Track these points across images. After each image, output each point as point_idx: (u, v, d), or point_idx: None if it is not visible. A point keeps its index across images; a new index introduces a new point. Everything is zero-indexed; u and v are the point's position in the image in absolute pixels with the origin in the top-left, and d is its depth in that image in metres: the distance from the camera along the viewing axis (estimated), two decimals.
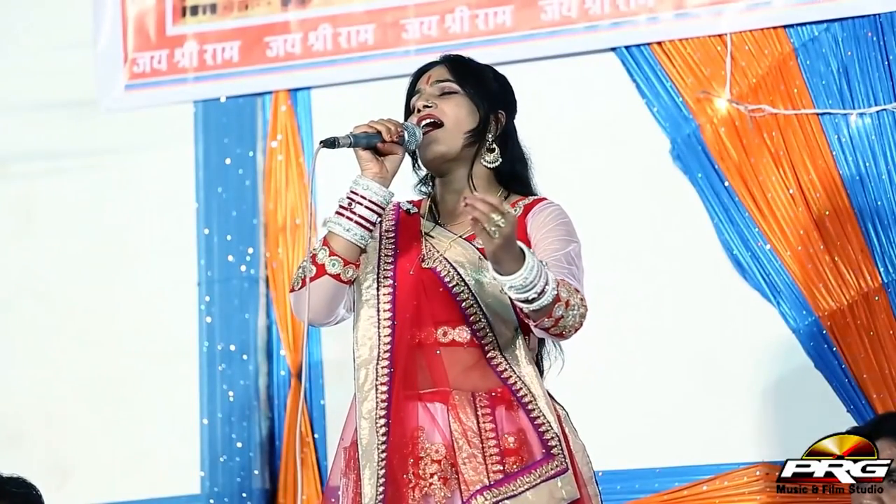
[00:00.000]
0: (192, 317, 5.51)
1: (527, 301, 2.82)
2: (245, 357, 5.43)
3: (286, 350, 5.39)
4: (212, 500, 5.39)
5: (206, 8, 5.60)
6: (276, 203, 5.48)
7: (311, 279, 3.03)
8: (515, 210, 3.10)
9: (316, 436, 5.34)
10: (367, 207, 3.02)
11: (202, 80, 5.58)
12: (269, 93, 5.52)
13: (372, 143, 3.02)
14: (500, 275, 2.81)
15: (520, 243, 2.80)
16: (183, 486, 5.44)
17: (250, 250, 5.49)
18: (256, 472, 5.38)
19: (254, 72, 5.51)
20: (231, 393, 5.42)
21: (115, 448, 5.54)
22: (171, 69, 5.61)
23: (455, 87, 3.14)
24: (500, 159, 3.14)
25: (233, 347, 5.44)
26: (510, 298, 2.89)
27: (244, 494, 5.37)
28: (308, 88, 5.51)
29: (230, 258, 5.50)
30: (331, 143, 3.00)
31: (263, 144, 5.55)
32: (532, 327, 2.95)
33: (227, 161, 5.55)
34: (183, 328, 5.51)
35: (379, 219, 3.05)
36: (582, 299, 2.91)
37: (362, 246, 3.04)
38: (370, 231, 3.04)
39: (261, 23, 5.52)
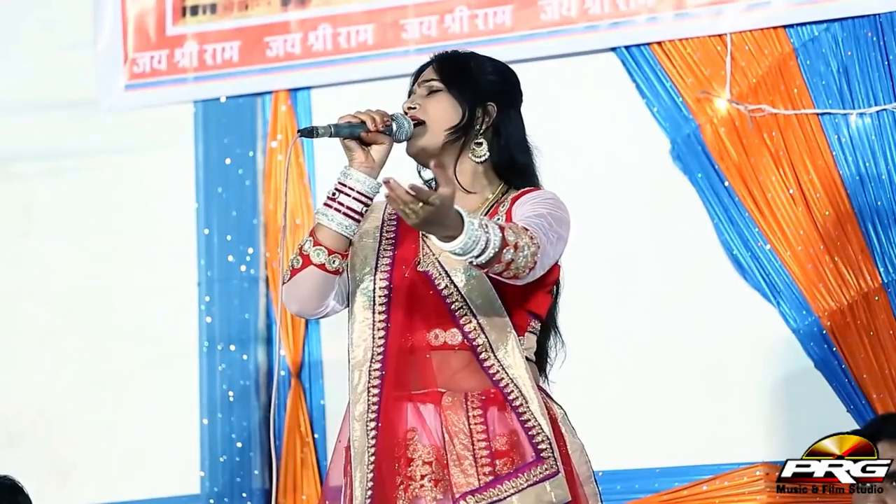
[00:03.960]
0: (192, 317, 5.51)
1: (473, 259, 2.81)
2: (245, 357, 5.43)
3: (286, 350, 5.39)
4: (212, 500, 5.39)
5: (206, 8, 5.60)
6: (276, 203, 5.48)
7: (298, 270, 3.04)
8: (503, 206, 3.09)
9: (316, 436, 5.34)
10: (353, 198, 3.02)
11: (202, 80, 5.58)
12: (269, 93, 5.52)
13: (355, 133, 3.01)
14: (441, 243, 2.81)
15: (458, 209, 2.78)
16: (183, 486, 5.44)
17: (250, 250, 5.49)
18: (256, 472, 5.39)
19: (254, 72, 5.52)
20: (231, 393, 5.42)
21: (115, 448, 5.54)
22: (171, 69, 5.61)
23: (438, 85, 3.14)
24: (488, 153, 3.13)
25: (233, 347, 5.44)
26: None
27: (244, 494, 5.37)
28: (308, 88, 5.51)
29: (230, 258, 5.50)
30: (309, 132, 3.00)
31: (263, 144, 5.55)
32: (484, 273, 2.94)
33: (227, 161, 5.55)
34: (183, 328, 5.52)
35: (366, 208, 3.04)
36: (532, 238, 2.88)
37: (348, 236, 3.04)
38: (356, 221, 3.04)
39: (261, 23, 5.52)
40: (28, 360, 5.67)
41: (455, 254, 2.80)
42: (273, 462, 3.14)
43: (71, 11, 5.75)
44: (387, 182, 2.76)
